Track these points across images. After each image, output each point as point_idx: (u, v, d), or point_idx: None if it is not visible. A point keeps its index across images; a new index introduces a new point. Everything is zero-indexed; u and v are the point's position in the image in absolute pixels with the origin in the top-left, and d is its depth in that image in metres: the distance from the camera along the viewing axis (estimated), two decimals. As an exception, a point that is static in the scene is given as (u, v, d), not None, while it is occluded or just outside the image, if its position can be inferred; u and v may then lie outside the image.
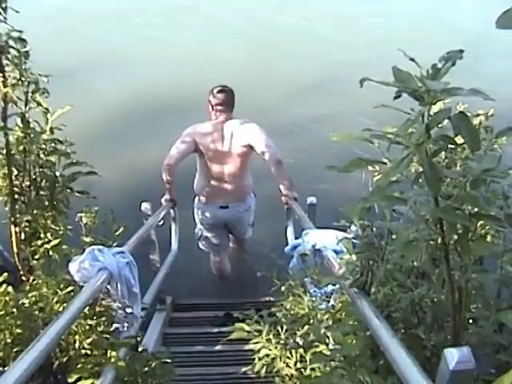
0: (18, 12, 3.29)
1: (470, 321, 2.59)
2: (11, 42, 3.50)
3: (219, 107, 6.07)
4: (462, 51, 2.04)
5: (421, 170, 2.03)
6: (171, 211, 6.32)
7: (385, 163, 2.16)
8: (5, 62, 3.55)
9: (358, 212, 2.20)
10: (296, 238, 5.37)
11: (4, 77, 3.58)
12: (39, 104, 3.90)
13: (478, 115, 4.00)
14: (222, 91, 6.08)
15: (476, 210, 2.14)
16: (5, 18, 3.31)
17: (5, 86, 3.60)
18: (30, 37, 3.57)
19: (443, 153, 3.31)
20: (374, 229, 2.75)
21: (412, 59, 1.99)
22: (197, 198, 6.54)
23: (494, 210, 2.25)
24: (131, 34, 14.07)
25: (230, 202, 6.40)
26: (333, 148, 8.70)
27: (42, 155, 4.13)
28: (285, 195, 6.17)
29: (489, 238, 3.04)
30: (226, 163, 6.17)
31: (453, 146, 2.36)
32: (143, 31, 14.31)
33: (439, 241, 2.19)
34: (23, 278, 4.20)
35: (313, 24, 15.41)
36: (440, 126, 1.99)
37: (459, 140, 1.99)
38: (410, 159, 1.93)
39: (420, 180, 2.05)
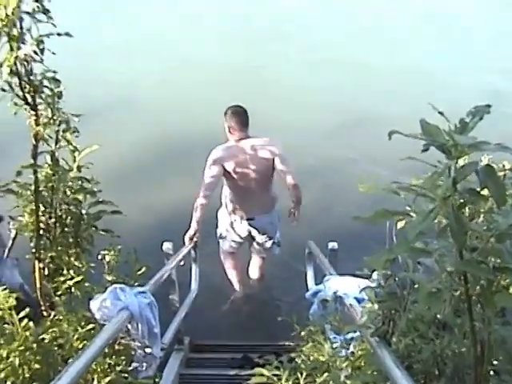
0: (54, 54, 3.37)
1: (492, 373, 2.57)
2: (45, 82, 3.58)
3: (238, 127, 6.35)
4: (489, 106, 2.06)
5: (445, 221, 2.04)
6: (192, 252, 6.34)
7: (410, 214, 2.17)
8: (38, 100, 3.62)
9: (382, 264, 2.20)
10: (316, 284, 5.37)
11: (37, 115, 3.64)
12: (69, 143, 3.97)
13: (503, 167, 3.99)
14: (239, 111, 6.39)
15: (500, 263, 2.14)
16: (41, 60, 3.39)
17: (37, 125, 3.66)
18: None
19: (467, 204, 3.32)
20: (397, 278, 2.76)
21: (441, 113, 2.02)
22: (223, 210, 6.88)
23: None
24: (154, 74, 14.18)
25: (255, 215, 6.70)
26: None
27: (68, 193, 4.19)
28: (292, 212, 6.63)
29: (511, 290, 3.03)
30: (251, 179, 6.45)
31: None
32: (166, 70, 14.42)
33: (462, 293, 2.19)
34: (44, 314, 4.22)
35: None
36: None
37: (484, 192, 2.00)
38: (437, 212, 1.94)
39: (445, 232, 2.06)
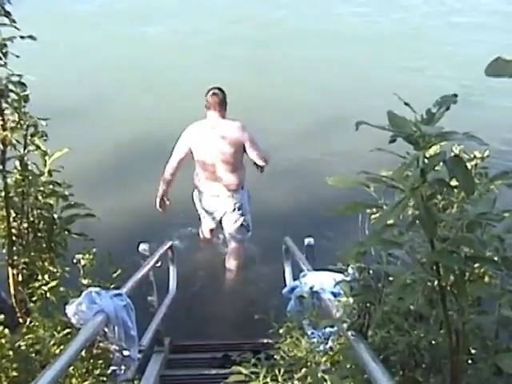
0: (18, 57, 3.33)
1: (470, 362, 2.58)
2: (11, 86, 3.54)
3: (212, 108, 6.82)
4: (456, 95, 2.06)
5: (417, 213, 2.04)
6: (169, 252, 6.31)
7: (381, 206, 2.17)
8: (4, 105, 3.58)
9: (353, 256, 2.21)
10: (294, 280, 5.37)
11: (3, 120, 3.61)
12: (38, 147, 3.93)
13: (474, 157, 4.01)
14: (215, 93, 6.83)
15: (472, 252, 2.15)
16: (5, 63, 3.35)
17: (4, 130, 3.62)
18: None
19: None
20: (371, 271, 2.76)
21: (407, 104, 2.01)
22: (195, 188, 7.34)
23: (490, 252, 2.25)
24: (129, 74, 13.97)
25: (220, 193, 7.09)
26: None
27: (40, 197, 4.15)
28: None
29: (486, 279, 3.04)
30: (218, 160, 6.88)
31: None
32: (141, 71, 14.21)
33: (435, 283, 2.19)
34: (20, 320, 4.18)
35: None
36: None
37: (454, 182, 2.01)
38: (405, 203, 1.94)
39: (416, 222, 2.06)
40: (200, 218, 7.61)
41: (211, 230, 7.73)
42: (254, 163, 7.06)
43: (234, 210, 7.16)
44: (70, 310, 3.62)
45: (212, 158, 6.88)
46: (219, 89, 6.89)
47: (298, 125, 11.61)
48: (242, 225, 7.28)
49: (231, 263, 7.66)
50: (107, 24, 17.59)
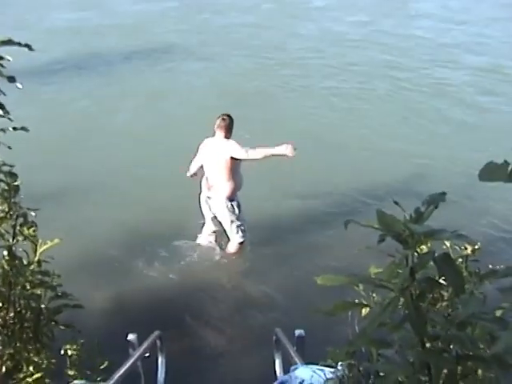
0: (10, 148, 3.35)
1: None
2: (1, 176, 3.55)
3: (215, 128, 8.80)
4: (444, 193, 2.08)
5: (406, 312, 2.02)
6: (157, 342, 6.22)
7: (370, 305, 2.16)
8: (-6, 195, 3.59)
9: (343, 356, 2.18)
10: (285, 372, 5.28)
11: (-7, 210, 3.61)
12: (26, 237, 3.92)
13: (465, 248, 4.01)
14: (223, 119, 8.78)
15: (463, 350, 2.12)
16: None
17: (-7, 220, 3.62)
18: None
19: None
20: (361, 368, 2.72)
21: (396, 202, 2.03)
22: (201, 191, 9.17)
23: (480, 349, 2.22)
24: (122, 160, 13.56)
25: (212, 196, 8.96)
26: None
27: (28, 287, 4.11)
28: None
29: (480, 372, 3.00)
30: (211, 168, 8.89)
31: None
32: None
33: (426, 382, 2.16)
34: (3, 414, 4.09)
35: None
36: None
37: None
38: (395, 304, 1.93)
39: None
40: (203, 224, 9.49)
41: (213, 232, 9.45)
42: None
43: (222, 210, 8.95)
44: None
45: (207, 167, 8.91)
46: (227, 115, 8.80)
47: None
48: (236, 225, 9.09)
49: (231, 250, 9.42)
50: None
